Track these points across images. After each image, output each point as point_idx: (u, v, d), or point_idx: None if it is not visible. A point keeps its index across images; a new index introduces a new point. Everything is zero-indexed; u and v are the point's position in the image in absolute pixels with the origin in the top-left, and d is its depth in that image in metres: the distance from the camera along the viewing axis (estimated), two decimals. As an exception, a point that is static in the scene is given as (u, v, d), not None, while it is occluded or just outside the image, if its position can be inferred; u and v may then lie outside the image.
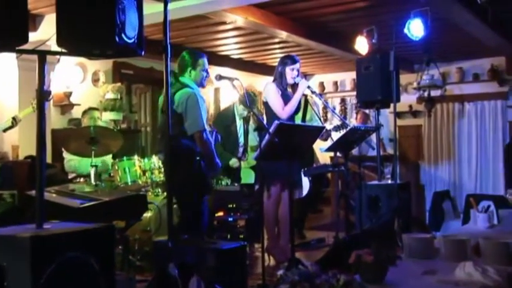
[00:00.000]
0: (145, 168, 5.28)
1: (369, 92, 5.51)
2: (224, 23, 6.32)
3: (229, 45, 7.94)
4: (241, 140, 6.32)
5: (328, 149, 5.02)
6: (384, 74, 5.43)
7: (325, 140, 5.54)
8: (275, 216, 4.94)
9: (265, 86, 4.99)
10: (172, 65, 3.05)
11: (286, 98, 4.87)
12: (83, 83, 7.30)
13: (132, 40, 2.56)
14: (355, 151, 6.91)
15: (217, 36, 7.32)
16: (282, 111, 4.78)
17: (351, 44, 6.38)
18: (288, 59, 4.96)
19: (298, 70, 4.94)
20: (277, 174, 4.75)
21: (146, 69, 8.01)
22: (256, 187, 4.97)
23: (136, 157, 5.41)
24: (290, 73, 4.91)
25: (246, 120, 6.35)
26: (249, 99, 5.23)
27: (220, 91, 9.36)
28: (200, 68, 4.19)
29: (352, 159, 6.69)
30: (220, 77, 4.10)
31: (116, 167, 5.32)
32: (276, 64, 5.10)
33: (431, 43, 7.14)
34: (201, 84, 4.24)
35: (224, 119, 6.35)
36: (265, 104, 4.94)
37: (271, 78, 5.07)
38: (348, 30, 6.88)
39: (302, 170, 5.19)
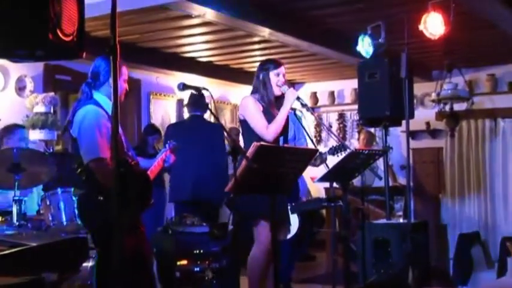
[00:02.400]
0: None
1: (375, 106, 5.62)
2: (189, 16, 6.36)
3: (196, 45, 7.99)
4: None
5: (323, 179, 5.02)
6: (393, 82, 5.52)
7: (318, 166, 5.57)
8: (265, 271, 4.86)
9: (242, 100, 5.02)
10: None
11: (269, 115, 4.92)
12: (3, 92, 7.27)
13: (71, 38, 2.57)
14: (356, 181, 6.93)
15: (180, 34, 7.36)
16: (266, 131, 4.82)
17: (352, 45, 6.45)
18: (270, 63, 5.01)
19: (284, 75, 4.99)
20: (257, 211, 4.76)
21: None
22: (230, 227, 4.95)
23: (73, 189, 5.36)
24: (275, 80, 4.94)
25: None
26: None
27: (185, 103, 9.36)
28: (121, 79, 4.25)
29: (354, 192, 6.71)
30: (184, 86, 4.10)
31: (47, 202, 5.27)
32: (255, 70, 5.13)
33: (454, 44, 7.28)
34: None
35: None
36: (242, 122, 4.98)
37: (249, 87, 5.11)
38: (348, 27, 6.97)
39: (289, 205, 5.20)
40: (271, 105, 4.96)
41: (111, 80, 4.14)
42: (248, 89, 5.13)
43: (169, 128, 7.12)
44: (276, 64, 4.98)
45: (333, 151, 5.62)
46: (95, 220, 4.08)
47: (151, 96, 9.21)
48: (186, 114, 9.14)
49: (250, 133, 4.90)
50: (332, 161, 5.15)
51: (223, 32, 7.16)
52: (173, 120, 9.33)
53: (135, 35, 7.27)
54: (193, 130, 6.67)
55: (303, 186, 6.68)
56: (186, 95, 8.95)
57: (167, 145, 4.70)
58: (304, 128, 5.46)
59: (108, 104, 4.17)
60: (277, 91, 4.95)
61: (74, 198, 5.34)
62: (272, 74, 4.93)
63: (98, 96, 4.22)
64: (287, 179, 4.18)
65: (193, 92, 4.09)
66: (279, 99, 4.98)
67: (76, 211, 4.77)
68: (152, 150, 7.75)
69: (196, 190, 6.46)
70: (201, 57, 8.69)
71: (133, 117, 8.96)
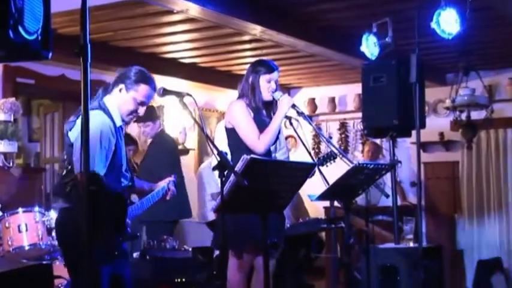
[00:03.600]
0: (52, 226, 5.23)
1: (381, 114, 5.65)
2: (170, 12, 6.37)
3: (178, 45, 7.99)
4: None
5: (322, 197, 5.00)
6: (402, 87, 5.55)
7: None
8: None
9: (231, 105, 5.05)
10: (100, 72, 3.05)
11: (261, 123, 4.93)
12: (-45, 98, 7.24)
13: (34, 36, 2.55)
14: (360, 199, 6.94)
15: (160, 32, 7.37)
16: (258, 141, 4.85)
17: (355, 44, 6.48)
18: (262, 66, 5.03)
19: (276, 82, 5.02)
20: (247, 234, 4.76)
21: (55, 77, 7.99)
22: (216, 252, 4.96)
23: (37, 209, 5.35)
24: (266, 86, 4.97)
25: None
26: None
27: (165, 111, 9.41)
28: (135, 95, 4.26)
29: (357, 212, 6.74)
30: (164, 92, 4.15)
31: (6, 224, 5.26)
32: (244, 73, 5.14)
33: (472, 43, 7.29)
34: (124, 119, 4.31)
35: (164, 149, 6.37)
36: (230, 131, 5.00)
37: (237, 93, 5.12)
38: (351, 24, 6.97)
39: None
40: (259, 112, 4.99)
41: (123, 91, 4.22)
42: (235, 95, 5.14)
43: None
44: (269, 68, 5.01)
45: (322, 161, 5.52)
46: (67, 240, 4.07)
47: (127, 103, 9.16)
48: (167, 126, 9.15)
49: (238, 144, 4.91)
50: (332, 175, 5.12)
51: (209, 29, 7.16)
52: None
53: (109, 32, 7.25)
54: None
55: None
56: (167, 102, 9.00)
57: (170, 182, 4.70)
58: (301, 139, 5.40)
59: (116, 112, 4.21)
60: (266, 96, 4.99)
61: (37, 218, 5.34)
62: (263, 79, 4.97)
63: (108, 100, 4.25)
64: (282, 197, 4.19)
65: (176, 97, 4.10)
66: (269, 106, 5.01)
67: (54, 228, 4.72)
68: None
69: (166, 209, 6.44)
70: (183, 58, 8.68)
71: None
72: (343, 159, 5.23)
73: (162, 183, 4.69)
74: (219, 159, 3.84)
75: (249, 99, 4.98)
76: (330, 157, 5.44)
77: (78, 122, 4.04)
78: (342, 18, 6.95)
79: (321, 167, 5.25)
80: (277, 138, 5.07)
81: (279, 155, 5.66)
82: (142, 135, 6.58)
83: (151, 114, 6.89)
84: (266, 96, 4.97)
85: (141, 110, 4.29)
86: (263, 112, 5.01)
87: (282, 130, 5.34)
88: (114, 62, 7.90)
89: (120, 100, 4.23)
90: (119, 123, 4.21)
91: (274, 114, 4.98)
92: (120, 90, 4.23)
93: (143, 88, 4.25)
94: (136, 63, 8.18)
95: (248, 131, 4.88)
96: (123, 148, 4.26)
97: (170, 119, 9.35)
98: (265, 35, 7.00)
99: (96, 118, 4.04)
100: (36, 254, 5.23)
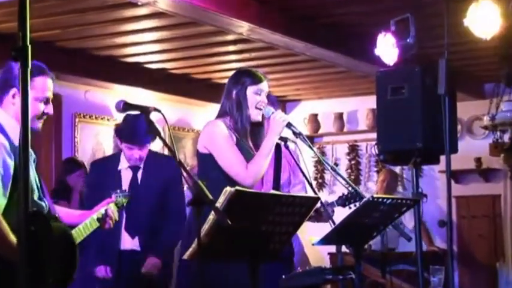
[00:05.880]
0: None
1: (401, 135, 5.64)
2: (134, 4, 6.40)
3: (144, 46, 8.04)
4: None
5: (325, 240, 4.96)
6: (428, 101, 5.55)
7: (323, 221, 5.50)
8: None
9: (207, 126, 5.07)
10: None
11: (245, 149, 4.97)
12: None
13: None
14: (375, 244, 6.93)
15: (121, 29, 7.40)
16: (246, 172, 4.88)
17: (368, 46, 6.52)
18: (247, 76, 5.06)
19: (266, 95, 5.06)
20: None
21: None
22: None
23: None
24: (253, 100, 4.99)
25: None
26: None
27: None
28: (34, 94, 4.23)
29: (371, 259, 6.77)
30: (125, 106, 4.12)
31: None
32: None
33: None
34: (31, 127, 4.25)
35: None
36: (204, 157, 5.02)
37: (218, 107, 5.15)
38: (363, 21, 7.06)
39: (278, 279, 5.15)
40: (245, 135, 5.03)
41: (17, 96, 4.20)
42: (217, 110, 5.14)
43: (93, 166, 7.05)
44: (256, 78, 5.04)
45: (344, 201, 5.57)
46: None
47: (77, 119, 9.21)
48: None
49: (216, 173, 4.92)
50: (339, 212, 5.14)
51: (184, 27, 7.20)
52: (109, 152, 9.26)
53: (55, 30, 7.28)
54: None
55: (298, 248, 6.69)
56: None
57: (112, 196, 4.76)
58: (299, 167, 5.43)
59: (13, 127, 4.17)
60: (255, 115, 5.01)
61: None
62: (250, 92, 4.99)
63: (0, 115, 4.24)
64: (275, 241, 4.17)
65: (134, 113, 4.13)
66: (256, 127, 5.04)
67: None
68: (77, 195, 7.76)
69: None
70: (150, 63, 8.72)
71: (50, 149, 8.93)
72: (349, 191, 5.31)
73: (99, 208, 4.74)
74: (195, 192, 3.80)
75: (233, 119, 5.00)
76: (355, 197, 5.44)
77: None
78: (351, 13, 7.03)
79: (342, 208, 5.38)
80: (281, 167, 5.17)
81: (294, 192, 5.67)
82: (131, 161, 6.48)
83: (156, 130, 6.65)
84: (255, 113, 5.00)
85: (49, 109, 4.30)
86: (249, 136, 5.06)
87: (298, 158, 5.36)
88: (61, 67, 7.88)
89: (16, 108, 4.21)
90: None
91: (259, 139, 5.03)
92: (13, 96, 4.21)
93: (41, 81, 4.25)
94: (89, 69, 8.34)
95: (232, 161, 4.90)
96: (33, 169, 4.21)
97: None
98: (254, 34, 7.03)
99: None
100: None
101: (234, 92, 5.00)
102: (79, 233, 4.63)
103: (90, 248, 6.42)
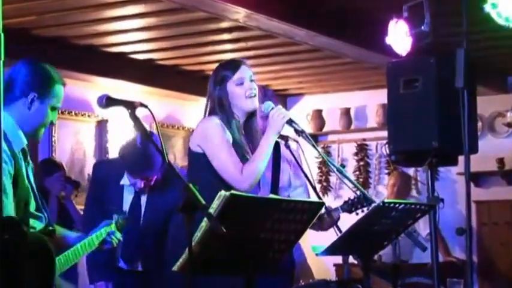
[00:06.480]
0: None
1: (414, 133, 5.65)
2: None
3: (129, 35, 8.05)
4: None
5: (330, 250, 4.97)
6: (444, 95, 5.54)
7: (326, 229, 5.56)
8: None
9: (201, 123, 5.15)
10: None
11: (239, 149, 5.02)
12: None
13: None
14: (386, 254, 6.90)
15: (103, 15, 7.38)
16: (241, 176, 4.92)
17: (378, 34, 6.52)
18: (223, 70, 5.14)
19: (252, 78, 5.09)
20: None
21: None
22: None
23: None
24: (239, 92, 5.04)
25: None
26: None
27: (109, 127, 9.49)
28: (49, 103, 4.39)
29: (381, 271, 6.74)
30: (108, 101, 4.15)
31: None
32: None
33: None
34: (34, 135, 4.42)
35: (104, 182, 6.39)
36: (196, 156, 5.08)
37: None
38: (372, 6, 7.05)
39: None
40: (238, 133, 5.09)
41: (29, 98, 4.33)
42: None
43: (97, 167, 6.85)
44: (232, 66, 5.12)
45: (350, 206, 5.59)
46: None
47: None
48: (111, 146, 9.06)
49: (209, 175, 4.96)
50: (345, 218, 5.21)
51: (173, 13, 7.22)
52: (90, 153, 9.33)
53: (30, 16, 7.26)
54: None
55: (300, 258, 6.68)
56: (112, 115, 9.00)
57: (113, 218, 4.92)
58: (302, 168, 5.47)
59: (14, 131, 4.26)
60: (249, 105, 5.07)
61: None
62: (232, 85, 5.06)
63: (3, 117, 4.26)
64: (274, 250, 4.19)
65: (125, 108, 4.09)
66: (252, 119, 5.14)
67: None
68: (55, 200, 7.82)
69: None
70: (136, 53, 8.75)
71: (24, 148, 8.89)
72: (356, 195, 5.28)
73: (97, 230, 4.89)
74: (186, 196, 3.79)
75: (226, 115, 5.07)
76: (362, 202, 5.47)
77: None
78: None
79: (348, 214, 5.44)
80: (279, 168, 5.26)
81: (295, 196, 5.68)
82: (135, 187, 6.38)
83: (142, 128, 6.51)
84: (247, 104, 5.05)
85: (55, 117, 4.47)
86: (242, 132, 5.14)
87: (300, 159, 5.43)
88: (37, 57, 7.81)
89: (28, 114, 4.33)
90: (19, 145, 4.26)
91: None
92: (31, 102, 4.32)
93: (61, 90, 4.43)
94: (68, 60, 8.28)
95: (227, 162, 4.95)
96: (31, 178, 4.30)
97: (116, 139, 9.27)
98: (251, 20, 7.04)
99: None
100: None
101: (216, 94, 5.11)
102: (76, 253, 4.78)
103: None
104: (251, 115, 5.13)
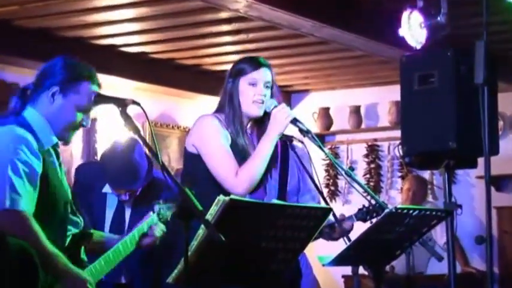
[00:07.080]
0: None
1: (430, 133, 5.63)
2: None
3: (119, 26, 8.06)
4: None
5: (339, 260, 4.97)
6: (463, 91, 5.53)
7: (336, 239, 5.50)
8: None
9: (198, 121, 5.16)
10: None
11: (240, 150, 5.03)
12: None
13: None
14: (399, 265, 6.87)
15: (92, 5, 7.38)
16: (235, 179, 4.94)
17: (390, 26, 6.53)
18: (243, 64, 5.14)
19: (269, 85, 5.08)
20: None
21: None
22: None
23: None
24: (249, 92, 5.05)
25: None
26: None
27: (98, 125, 9.51)
28: (73, 101, 4.39)
29: (394, 283, 6.84)
30: (97, 98, 4.29)
31: None
32: (225, 69, 5.27)
33: None
34: (62, 136, 4.42)
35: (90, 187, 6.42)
36: (191, 157, 5.10)
37: (211, 100, 5.24)
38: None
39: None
40: (240, 133, 5.09)
41: (50, 92, 4.37)
42: (209, 102, 5.07)
43: (80, 170, 6.98)
44: (252, 64, 5.11)
45: (366, 214, 5.58)
46: None
47: (41, 113, 9.15)
48: (100, 147, 9.03)
49: (206, 177, 4.99)
50: (357, 228, 5.14)
51: (168, 2, 7.25)
52: (77, 154, 9.38)
53: (12, 6, 7.28)
54: None
55: (306, 269, 6.72)
56: (101, 113, 8.98)
57: (155, 209, 5.01)
58: (307, 172, 5.42)
59: (43, 128, 4.33)
60: (254, 110, 5.07)
61: None
62: (244, 83, 5.06)
63: (30, 113, 4.38)
64: (278, 260, 4.21)
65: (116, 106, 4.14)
66: (260, 123, 5.14)
67: None
68: None
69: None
70: (127, 45, 8.80)
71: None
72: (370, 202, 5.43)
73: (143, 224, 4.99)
74: (182, 202, 3.81)
75: (226, 115, 5.10)
76: (378, 209, 5.47)
77: None
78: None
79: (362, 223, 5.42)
80: (287, 172, 5.23)
81: (303, 202, 5.62)
82: (119, 197, 6.41)
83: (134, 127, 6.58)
84: (251, 108, 5.06)
85: (87, 120, 4.46)
86: (246, 134, 5.16)
87: (310, 163, 5.41)
88: (19, 51, 7.95)
89: (53, 110, 4.36)
90: (49, 143, 4.32)
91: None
92: (52, 95, 4.34)
93: (87, 87, 4.40)
94: (53, 53, 8.21)
95: (221, 162, 4.98)
96: (64, 178, 4.35)
97: (105, 139, 9.30)
98: (253, 10, 7.05)
99: (6, 136, 4.21)
100: None
101: (229, 85, 5.12)
102: (117, 253, 4.87)
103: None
104: (262, 120, 5.11)
